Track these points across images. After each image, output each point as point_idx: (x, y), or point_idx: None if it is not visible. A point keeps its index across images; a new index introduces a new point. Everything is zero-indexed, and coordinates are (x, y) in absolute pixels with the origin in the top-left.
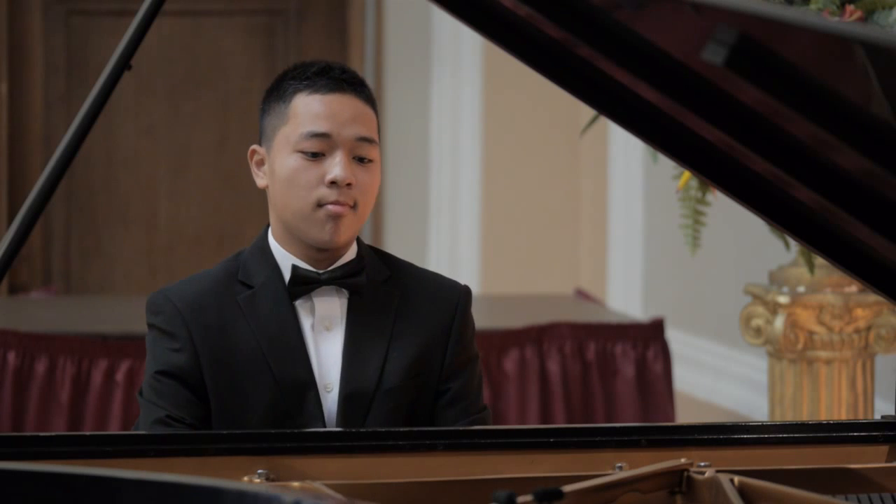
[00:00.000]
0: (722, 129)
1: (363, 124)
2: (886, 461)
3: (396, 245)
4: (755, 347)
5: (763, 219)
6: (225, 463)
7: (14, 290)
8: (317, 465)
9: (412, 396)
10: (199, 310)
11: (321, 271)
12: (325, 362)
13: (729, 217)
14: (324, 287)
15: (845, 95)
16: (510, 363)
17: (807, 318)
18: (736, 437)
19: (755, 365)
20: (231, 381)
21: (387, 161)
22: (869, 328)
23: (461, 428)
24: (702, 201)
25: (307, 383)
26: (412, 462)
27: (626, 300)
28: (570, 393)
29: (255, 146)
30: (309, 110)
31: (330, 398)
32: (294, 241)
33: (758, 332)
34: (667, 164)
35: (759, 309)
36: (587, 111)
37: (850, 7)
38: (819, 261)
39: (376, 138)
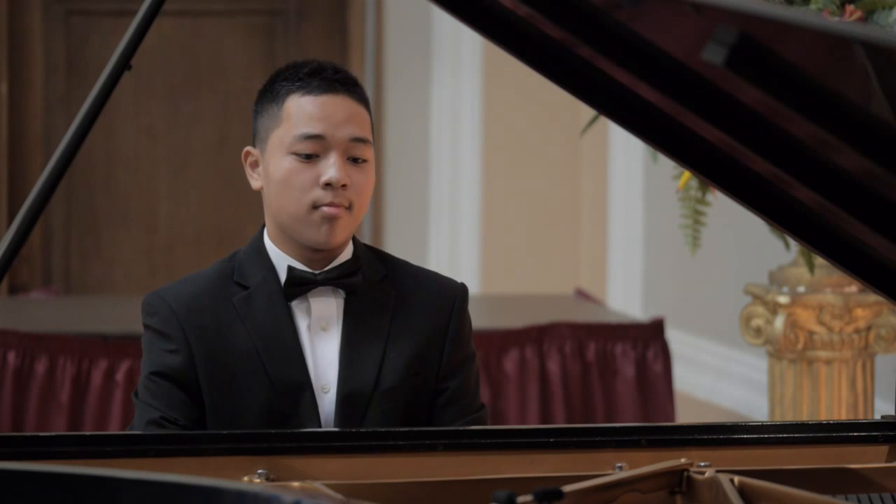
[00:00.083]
0: (722, 129)
1: (357, 125)
2: (886, 461)
3: (396, 245)
4: (755, 347)
5: (763, 219)
6: (225, 463)
7: (14, 290)
8: (317, 465)
9: (410, 396)
10: (195, 311)
11: (317, 272)
12: (322, 363)
13: (729, 217)
14: (320, 287)
15: (845, 95)
16: (510, 363)
17: (807, 318)
18: (736, 437)
19: (755, 365)
20: (226, 383)
21: (387, 161)
22: (869, 328)
23: (461, 428)
24: (702, 201)
25: (302, 384)
26: (412, 462)
27: (626, 300)
28: (570, 393)
29: (248, 148)
30: (302, 112)
31: (327, 399)
32: (289, 241)
33: (758, 332)
34: (667, 164)
35: (759, 309)
36: (587, 111)
37: (850, 7)
38: (819, 261)
39: (370, 138)
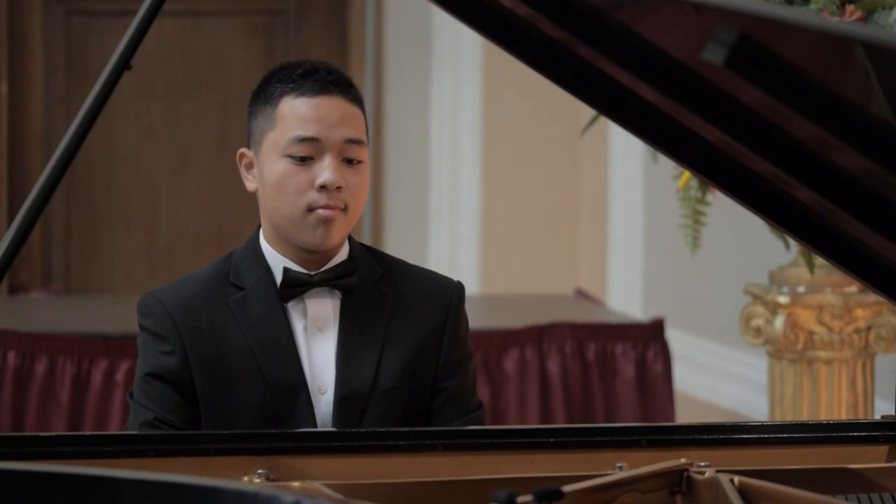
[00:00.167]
0: (722, 129)
1: (351, 126)
2: (886, 461)
3: (396, 245)
4: (755, 347)
5: (763, 219)
6: (225, 463)
7: (14, 290)
8: (317, 465)
9: (408, 397)
10: (190, 312)
11: (313, 272)
12: (319, 364)
13: (729, 217)
14: (316, 288)
15: (845, 95)
16: (510, 363)
17: (807, 318)
18: (736, 437)
19: (755, 365)
20: (221, 384)
21: (387, 161)
22: (869, 328)
23: (461, 428)
24: (702, 201)
25: (298, 386)
26: (412, 462)
27: (626, 300)
28: (570, 393)
29: (243, 150)
30: (296, 114)
31: (324, 400)
32: (285, 242)
33: (758, 332)
34: (667, 164)
35: (759, 309)
36: (587, 111)
37: (850, 7)
38: (819, 261)
39: (365, 139)
